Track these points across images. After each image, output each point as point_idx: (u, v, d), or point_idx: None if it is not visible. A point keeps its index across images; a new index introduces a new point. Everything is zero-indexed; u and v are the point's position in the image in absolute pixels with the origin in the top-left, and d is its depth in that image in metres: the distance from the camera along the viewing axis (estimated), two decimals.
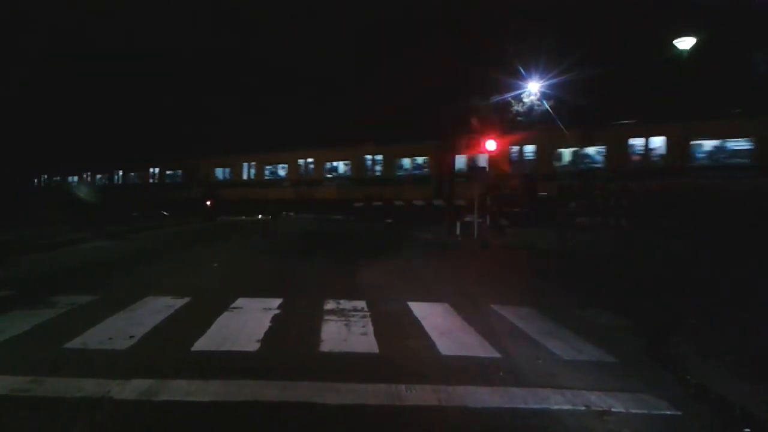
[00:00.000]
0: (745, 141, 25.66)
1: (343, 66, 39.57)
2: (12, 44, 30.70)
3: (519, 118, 28.22)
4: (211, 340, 6.65)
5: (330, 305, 8.76)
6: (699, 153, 27.38)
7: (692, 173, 25.92)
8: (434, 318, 8.16)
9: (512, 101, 27.48)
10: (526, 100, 27.29)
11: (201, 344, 6.46)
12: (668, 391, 5.35)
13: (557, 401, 4.98)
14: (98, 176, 60.88)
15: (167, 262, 15.03)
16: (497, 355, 6.43)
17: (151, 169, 55.95)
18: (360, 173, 41.62)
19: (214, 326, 7.25)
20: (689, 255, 16.52)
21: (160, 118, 48.56)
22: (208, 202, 45.89)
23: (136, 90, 43.94)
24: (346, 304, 8.90)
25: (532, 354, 6.51)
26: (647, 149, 29.35)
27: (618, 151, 30.09)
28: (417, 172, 38.81)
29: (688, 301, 9.65)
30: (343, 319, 7.89)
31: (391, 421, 4.53)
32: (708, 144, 27.06)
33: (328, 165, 44.00)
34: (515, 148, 33.09)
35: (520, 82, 26.59)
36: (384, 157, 39.98)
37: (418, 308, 8.75)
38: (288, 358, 6.04)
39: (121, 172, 58.87)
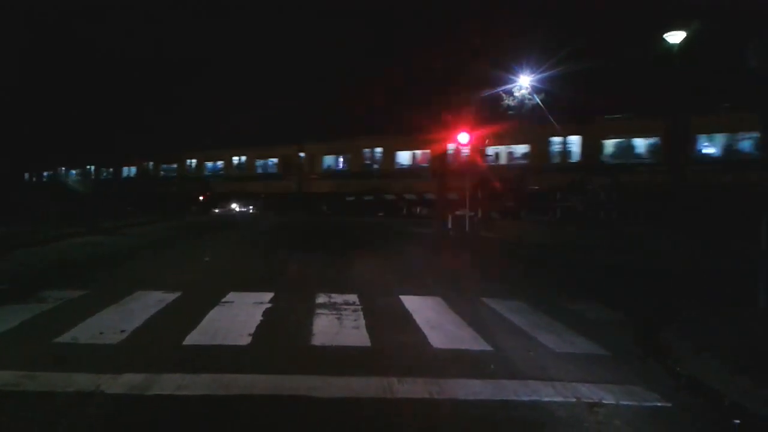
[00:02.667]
0: None
1: (335, 59, 39.40)
2: (8, 39, 30.57)
3: (510, 112, 28.18)
4: (203, 334, 6.63)
5: (321, 299, 8.76)
6: None
7: None
8: (426, 311, 8.17)
9: (503, 95, 27.43)
10: (517, 94, 27.23)
11: (192, 338, 6.44)
12: (659, 384, 5.38)
13: (548, 393, 5.00)
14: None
15: (159, 257, 14.99)
16: (489, 348, 6.44)
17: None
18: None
19: (205, 320, 7.23)
20: (680, 248, 16.59)
21: (153, 113, 48.27)
22: (202, 197, 45.82)
23: (127, 85, 43.64)
24: (337, 297, 8.90)
25: (523, 347, 6.53)
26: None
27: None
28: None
29: (679, 295, 9.70)
30: (334, 312, 7.89)
31: (384, 414, 4.53)
32: None
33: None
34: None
35: (511, 76, 26.56)
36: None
37: (409, 302, 8.77)
38: (279, 352, 6.04)
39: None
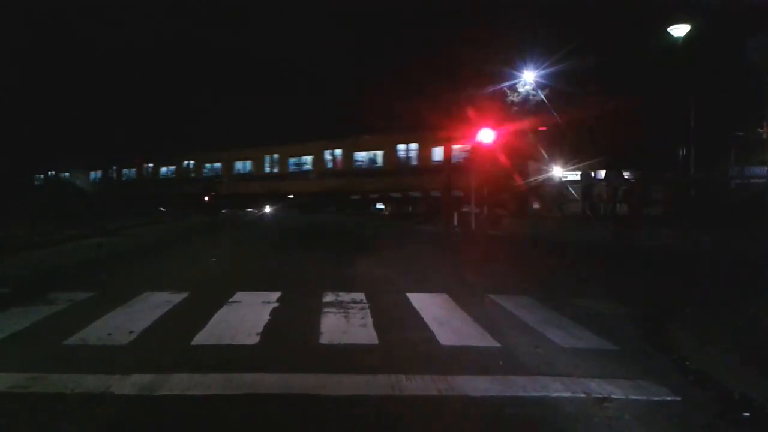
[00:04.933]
0: None
1: (337, 57, 39.52)
2: (8, 39, 30.68)
3: (514, 108, 28.12)
4: (211, 334, 6.64)
5: (329, 298, 8.76)
6: None
7: None
8: (433, 308, 8.17)
9: (507, 91, 27.36)
10: (521, 89, 27.17)
11: (200, 338, 6.45)
12: (668, 378, 5.36)
13: (557, 389, 4.99)
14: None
15: (165, 258, 15.02)
16: (496, 344, 6.43)
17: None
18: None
19: (213, 320, 7.24)
20: (687, 245, 16.55)
21: (155, 114, 48.37)
22: (207, 198, 45.88)
23: (130, 85, 43.76)
24: (345, 296, 8.90)
25: (530, 342, 6.52)
26: None
27: None
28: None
29: (686, 289, 9.68)
30: (342, 311, 7.89)
31: (392, 412, 4.53)
32: None
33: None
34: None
35: (516, 72, 26.50)
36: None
37: (416, 299, 8.76)
38: (287, 351, 6.04)
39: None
